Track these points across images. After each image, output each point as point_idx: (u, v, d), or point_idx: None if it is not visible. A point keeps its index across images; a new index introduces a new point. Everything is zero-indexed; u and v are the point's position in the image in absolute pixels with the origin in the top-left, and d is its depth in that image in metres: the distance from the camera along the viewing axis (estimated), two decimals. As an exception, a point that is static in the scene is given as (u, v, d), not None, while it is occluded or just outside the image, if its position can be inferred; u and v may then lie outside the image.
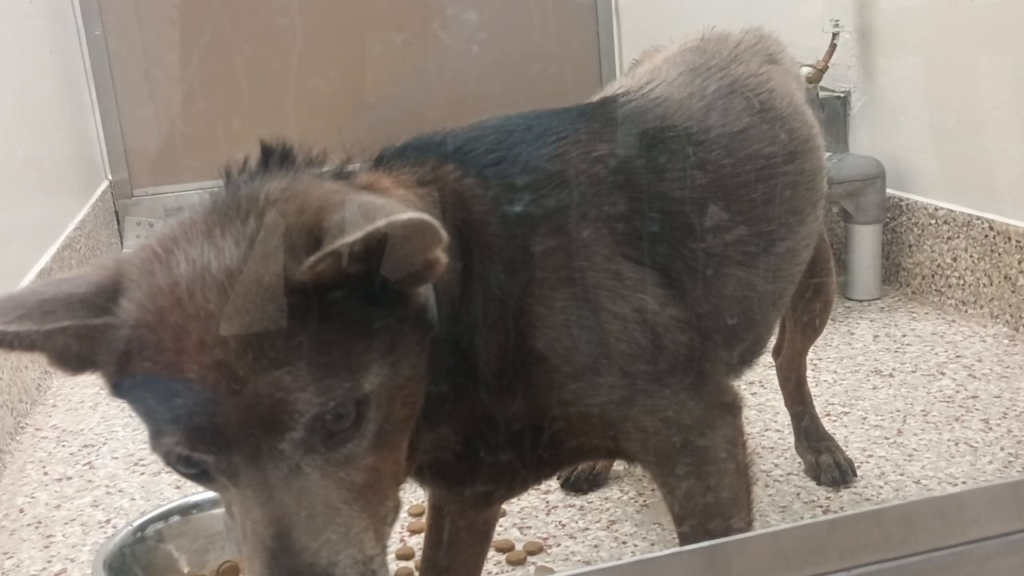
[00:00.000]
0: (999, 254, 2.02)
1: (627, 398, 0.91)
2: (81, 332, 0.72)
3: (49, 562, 1.46)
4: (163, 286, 0.71)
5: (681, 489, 0.96)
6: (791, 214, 1.13)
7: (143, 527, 1.30)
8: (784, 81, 1.20)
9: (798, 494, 1.50)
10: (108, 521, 1.56)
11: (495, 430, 0.89)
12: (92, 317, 0.71)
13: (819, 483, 1.51)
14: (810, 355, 1.60)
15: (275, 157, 0.81)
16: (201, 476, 0.73)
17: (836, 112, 2.43)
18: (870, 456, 1.58)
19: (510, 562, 1.38)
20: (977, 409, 1.70)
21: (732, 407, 0.99)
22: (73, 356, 0.74)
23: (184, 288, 0.70)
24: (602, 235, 0.92)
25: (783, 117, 1.14)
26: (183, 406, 0.69)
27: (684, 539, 0.98)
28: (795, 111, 1.17)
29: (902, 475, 1.52)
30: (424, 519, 1.19)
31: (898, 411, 1.72)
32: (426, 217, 0.67)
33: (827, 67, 2.29)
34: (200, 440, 0.69)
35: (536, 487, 1.01)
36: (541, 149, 0.94)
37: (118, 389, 0.75)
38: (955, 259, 2.14)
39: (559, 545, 1.41)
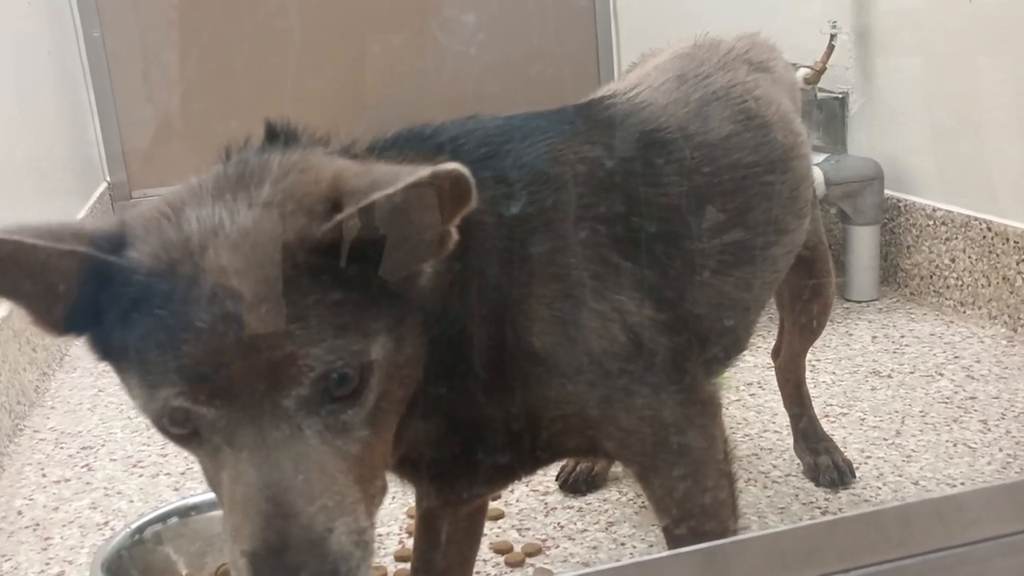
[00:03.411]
0: (997, 255, 2.02)
1: (607, 396, 0.92)
2: (92, 264, 0.71)
3: (47, 564, 1.46)
4: (174, 240, 0.71)
5: (663, 488, 0.96)
6: (771, 223, 1.13)
7: (141, 529, 1.30)
8: (772, 90, 1.21)
9: (797, 495, 1.50)
10: (106, 523, 1.56)
11: (482, 424, 0.90)
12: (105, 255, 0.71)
13: (818, 484, 1.52)
14: (809, 356, 1.60)
15: (280, 135, 0.81)
16: (191, 438, 0.71)
17: (834, 113, 2.43)
18: (869, 457, 1.58)
19: (509, 564, 1.38)
20: (975, 410, 1.70)
21: (711, 406, 0.99)
22: (64, 307, 0.73)
23: (196, 243, 0.70)
24: (587, 234, 0.93)
25: (767, 126, 1.14)
26: (188, 355, 0.68)
27: (669, 539, 0.98)
28: (781, 120, 1.17)
29: (900, 476, 1.52)
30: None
31: (896, 412, 1.73)
32: (466, 171, 0.67)
33: (825, 68, 2.29)
34: (202, 392, 0.68)
35: (523, 483, 1.01)
36: (530, 147, 0.94)
37: (109, 347, 0.74)
38: (953, 260, 2.14)
39: (558, 547, 1.41)
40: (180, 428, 0.71)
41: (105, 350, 0.75)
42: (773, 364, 1.59)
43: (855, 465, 1.54)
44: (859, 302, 2.27)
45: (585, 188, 0.94)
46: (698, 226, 1.03)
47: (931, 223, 2.20)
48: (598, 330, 0.90)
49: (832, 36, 2.29)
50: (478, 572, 1.22)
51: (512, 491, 1.54)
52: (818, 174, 2.19)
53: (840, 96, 2.41)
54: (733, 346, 1.13)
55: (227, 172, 0.76)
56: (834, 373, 1.90)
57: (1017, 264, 1.98)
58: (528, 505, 1.52)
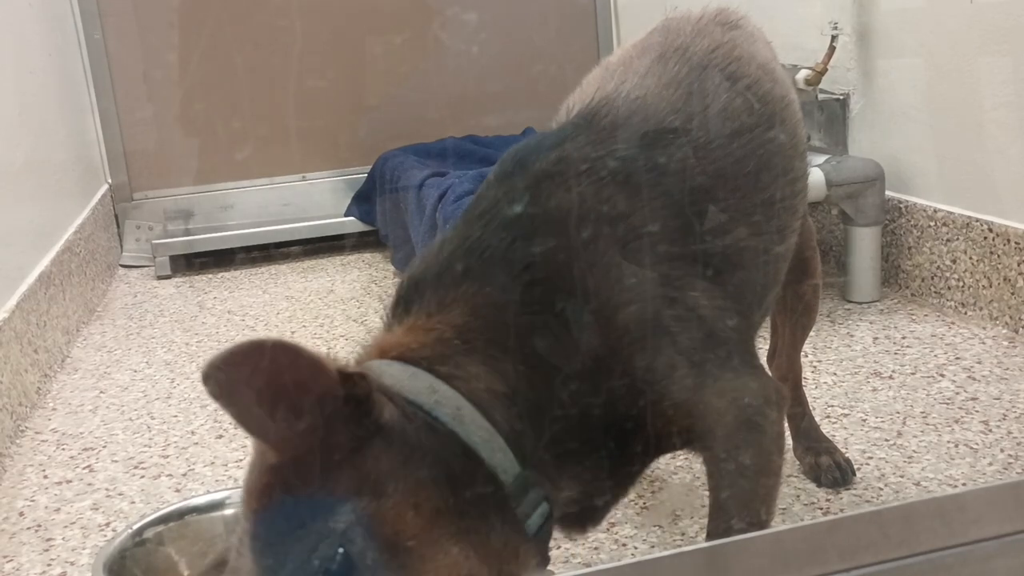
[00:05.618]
0: (998, 256, 2.02)
1: (699, 384, 0.95)
2: None
3: (49, 565, 1.46)
4: None
5: (732, 464, 0.98)
6: (783, 174, 1.16)
7: (143, 530, 1.30)
8: (747, 44, 1.22)
9: (798, 496, 1.50)
10: (108, 524, 1.56)
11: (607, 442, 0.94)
12: None
13: (819, 485, 1.51)
14: (809, 357, 1.60)
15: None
16: None
17: (835, 114, 2.43)
18: (870, 458, 1.58)
19: (510, 564, 1.38)
20: (977, 411, 1.70)
21: (779, 385, 1.03)
22: None
23: None
24: (638, 258, 0.95)
25: (754, 83, 1.16)
26: None
27: (721, 516, 1.00)
28: (764, 73, 1.19)
29: (902, 477, 1.52)
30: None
31: (898, 413, 1.72)
32: None
33: (826, 69, 2.30)
34: None
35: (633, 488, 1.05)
36: (547, 205, 0.96)
37: None
38: (954, 261, 2.14)
39: (559, 547, 1.41)
40: None
41: None
42: (769, 368, 1.59)
43: (856, 466, 1.54)
44: (860, 303, 2.27)
45: (624, 225, 0.97)
46: (732, 201, 1.06)
47: (932, 224, 2.20)
48: (677, 331, 0.94)
49: (833, 37, 2.29)
50: (479, 573, 1.22)
51: (513, 492, 1.53)
52: (819, 175, 2.19)
53: (841, 97, 2.42)
54: (766, 312, 1.18)
55: None
56: (835, 374, 1.90)
57: (1018, 265, 1.98)
58: (529, 506, 1.51)
